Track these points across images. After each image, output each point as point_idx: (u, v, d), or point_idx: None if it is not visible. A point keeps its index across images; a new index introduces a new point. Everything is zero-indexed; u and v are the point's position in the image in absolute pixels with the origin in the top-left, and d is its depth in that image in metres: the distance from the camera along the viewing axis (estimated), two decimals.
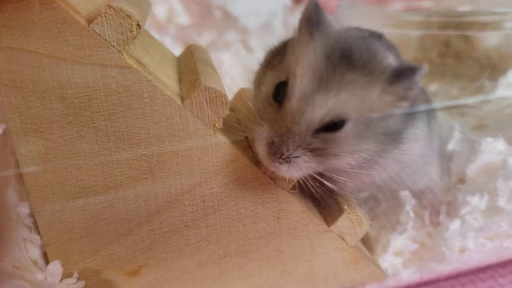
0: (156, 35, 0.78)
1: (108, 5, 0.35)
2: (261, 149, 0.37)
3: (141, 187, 0.39)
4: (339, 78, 0.37)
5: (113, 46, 0.36)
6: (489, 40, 0.76)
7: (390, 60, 0.39)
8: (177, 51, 0.75)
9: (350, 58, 0.38)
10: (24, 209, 0.39)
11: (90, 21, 0.36)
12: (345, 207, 0.42)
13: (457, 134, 0.53)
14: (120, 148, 0.38)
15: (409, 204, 0.48)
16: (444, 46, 0.79)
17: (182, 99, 0.38)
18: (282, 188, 0.41)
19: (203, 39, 0.76)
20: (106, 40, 0.36)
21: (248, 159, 0.40)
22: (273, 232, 0.42)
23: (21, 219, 0.39)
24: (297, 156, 0.37)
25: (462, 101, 0.65)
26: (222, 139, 0.39)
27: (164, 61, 0.45)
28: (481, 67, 0.77)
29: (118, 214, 0.40)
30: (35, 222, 0.39)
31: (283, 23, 0.85)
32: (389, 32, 0.72)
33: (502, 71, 0.70)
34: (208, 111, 0.38)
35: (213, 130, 0.39)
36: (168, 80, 0.40)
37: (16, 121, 0.37)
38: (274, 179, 0.40)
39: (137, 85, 0.37)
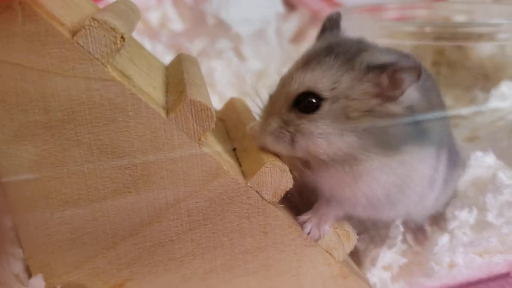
0: (148, 42, 0.78)
1: (92, 18, 0.35)
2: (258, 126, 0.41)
3: (125, 201, 0.39)
4: (316, 60, 0.40)
5: (97, 59, 0.35)
6: (483, 49, 0.76)
7: (375, 57, 0.39)
8: (169, 58, 0.74)
9: (333, 47, 0.40)
10: (6, 223, 0.39)
11: (74, 34, 0.35)
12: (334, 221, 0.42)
13: None
14: (104, 161, 0.38)
15: (400, 218, 0.47)
16: (438, 55, 0.79)
17: (167, 112, 0.38)
18: (269, 202, 0.40)
19: (195, 47, 0.76)
20: (90, 53, 0.35)
21: (234, 173, 0.39)
22: (259, 247, 0.41)
23: (4, 233, 0.38)
24: (279, 128, 0.39)
25: (455, 112, 0.64)
26: (207, 152, 0.39)
27: (151, 72, 0.45)
28: (475, 77, 0.77)
29: (102, 227, 0.39)
30: (17, 236, 0.39)
31: (276, 31, 0.85)
32: (383, 42, 0.72)
33: (496, 81, 0.70)
34: (193, 125, 0.38)
35: (198, 143, 0.38)
36: (153, 92, 0.40)
37: None
38: (260, 192, 0.40)
39: (121, 98, 0.36)
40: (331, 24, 0.45)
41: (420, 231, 0.49)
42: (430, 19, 0.81)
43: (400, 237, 0.46)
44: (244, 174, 0.40)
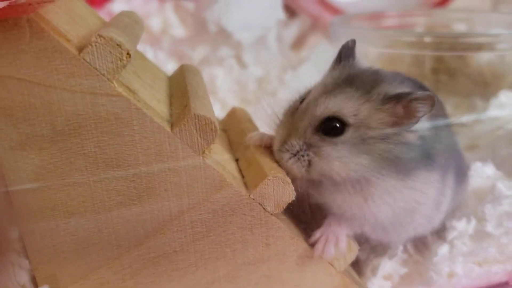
0: (150, 50, 0.79)
1: (98, 34, 0.35)
2: (274, 144, 0.43)
3: (130, 213, 0.39)
4: (339, 89, 0.42)
5: (103, 75, 0.36)
6: (483, 57, 0.77)
7: (391, 88, 0.42)
8: (170, 65, 0.75)
9: (352, 78, 0.43)
10: (13, 234, 0.39)
11: (80, 50, 0.36)
12: None
13: None
14: (109, 174, 0.38)
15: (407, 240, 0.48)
16: (438, 62, 0.79)
17: (172, 126, 0.38)
18: (271, 214, 0.41)
19: (196, 54, 0.77)
20: (96, 69, 0.36)
21: (237, 185, 0.40)
22: (261, 258, 0.42)
23: (10, 244, 0.39)
24: (300, 150, 0.41)
25: (454, 120, 0.65)
26: (211, 165, 0.39)
27: (155, 84, 0.45)
28: (475, 84, 0.77)
29: (107, 239, 0.40)
30: (24, 247, 0.40)
31: (277, 38, 0.85)
32: (382, 51, 0.73)
33: (495, 89, 0.71)
34: (197, 138, 0.38)
35: (202, 156, 0.39)
36: (158, 105, 0.40)
37: (6, 147, 0.37)
38: (262, 204, 0.40)
39: (126, 113, 0.37)
40: (347, 52, 0.47)
41: (421, 240, 0.50)
42: (430, 28, 0.82)
43: (401, 247, 0.47)
44: (246, 186, 0.41)
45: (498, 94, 0.64)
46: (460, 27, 0.83)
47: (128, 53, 0.36)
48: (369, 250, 0.49)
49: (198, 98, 0.42)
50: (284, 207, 0.41)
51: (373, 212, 0.41)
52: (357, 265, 0.48)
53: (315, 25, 0.93)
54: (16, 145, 0.37)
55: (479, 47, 0.61)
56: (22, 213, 0.39)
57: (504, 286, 0.49)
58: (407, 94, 0.40)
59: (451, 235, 0.47)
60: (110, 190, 0.39)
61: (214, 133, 0.38)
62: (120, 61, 0.36)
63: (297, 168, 0.41)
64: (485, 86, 0.76)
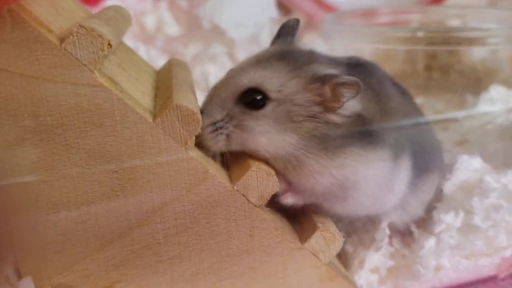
0: (143, 47, 0.79)
1: (79, 25, 0.35)
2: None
3: (113, 204, 0.39)
4: (268, 62, 0.42)
5: (85, 65, 0.36)
6: (475, 53, 0.77)
7: (323, 68, 0.41)
8: (163, 62, 0.75)
9: (286, 54, 0.43)
10: None
11: (62, 40, 0.36)
12: (319, 224, 0.42)
13: None
14: (92, 166, 0.38)
15: (385, 221, 0.48)
16: (431, 59, 0.79)
17: (154, 117, 0.38)
18: (255, 205, 0.41)
19: (189, 51, 0.77)
20: (77, 59, 0.36)
21: (221, 177, 0.40)
22: (246, 250, 0.42)
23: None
24: (221, 120, 0.40)
25: (444, 116, 0.65)
26: (194, 156, 0.39)
27: (140, 77, 0.45)
28: (467, 81, 0.77)
29: (91, 230, 0.40)
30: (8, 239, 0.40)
31: (270, 36, 0.85)
32: (375, 49, 0.73)
33: (488, 85, 0.70)
34: (179, 129, 0.38)
35: (185, 148, 0.39)
36: (141, 97, 0.40)
37: None
38: (246, 196, 0.40)
39: (108, 103, 0.37)
40: (287, 30, 0.47)
41: (407, 233, 0.49)
42: (423, 24, 0.82)
43: (386, 240, 0.47)
44: (230, 178, 0.41)
45: (489, 89, 0.64)
46: (454, 23, 0.83)
47: (109, 44, 0.36)
48: (357, 242, 0.49)
49: (182, 90, 0.42)
50: (268, 199, 0.41)
51: (309, 188, 0.41)
52: (344, 258, 0.48)
53: (309, 23, 0.93)
54: None
55: (471, 42, 0.61)
56: (5, 204, 0.39)
57: (493, 280, 0.49)
58: (333, 76, 0.40)
59: (438, 228, 0.47)
60: (93, 181, 0.39)
61: (196, 124, 0.38)
62: (101, 51, 0.36)
63: (214, 141, 0.40)
64: (478, 82, 0.76)
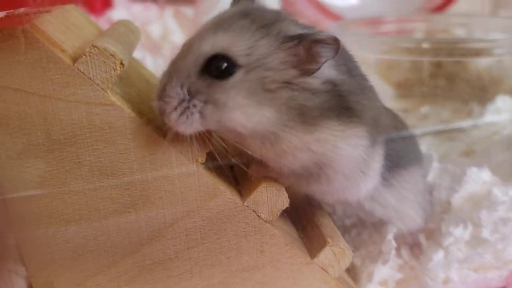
0: (149, 56, 0.79)
1: (92, 45, 0.36)
2: (154, 94, 0.37)
3: (125, 221, 0.40)
4: (231, 21, 0.37)
5: (97, 85, 0.36)
6: (481, 62, 0.77)
7: (291, 25, 0.37)
8: None
9: (248, 13, 0.38)
10: (9, 242, 0.40)
11: (75, 60, 0.36)
12: (328, 239, 0.42)
13: (436, 165, 0.53)
14: (104, 183, 0.39)
15: (391, 233, 0.48)
16: (436, 67, 0.79)
17: (165, 135, 0.39)
18: (265, 221, 0.41)
19: None
20: (90, 79, 0.36)
21: (231, 193, 0.40)
22: (256, 265, 0.42)
23: (7, 251, 0.39)
24: (184, 100, 0.35)
25: (450, 126, 0.65)
26: (205, 173, 0.39)
27: (150, 91, 0.46)
28: (473, 89, 0.78)
29: (103, 246, 0.40)
30: (20, 254, 0.40)
31: None
32: (381, 57, 0.73)
33: (493, 94, 0.71)
34: (191, 147, 0.39)
35: (196, 164, 0.39)
36: (151, 113, 0.41)
37: (2, 156, 0.37)
38: (256, 212, 0.41)
39: (120, 121, 0.37)
40: None
41: (416, 244, 0.50)
42: (429, 33, 0.82)
43: (393, 252, 0.47)
44: (241, 193, 0.41)
45: (495, 99, 0.64)
46: (459, 32, 0.83)
47: (121, 63, 0.36)
48: (364, 255, 0.50)
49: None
50: (278, 214, 0.41)
51: (287, 166, 0.38)
52: (352, 272, 0.48)
53: None
54: (12, 154, 0.37)
55: (477, 53, 0.61)
56: (19, 220, 0.39)
57: None
58: (310, 34, 0.36)
59: (446, 241, 0.47)
60: (105, 198, 0.39)
61: (207, 141, 0.39)
62: (114, 70, 0.36)
63: (185, 123, 0.35)
64: (483, 91, 0.76)
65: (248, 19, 0.37)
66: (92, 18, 0.90)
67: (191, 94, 0.36)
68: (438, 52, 0.62)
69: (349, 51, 0.43)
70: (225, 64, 0.35)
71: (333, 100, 0.38)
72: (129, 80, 0.42)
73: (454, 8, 0.98)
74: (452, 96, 0.77)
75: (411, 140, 0.52)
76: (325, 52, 0.35)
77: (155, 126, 0.38)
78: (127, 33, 0.44)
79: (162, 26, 0.94)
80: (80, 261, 0.40)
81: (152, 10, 0.95)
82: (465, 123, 0.65)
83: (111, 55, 0.36)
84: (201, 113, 0.36)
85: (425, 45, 0.63)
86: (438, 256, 0.46)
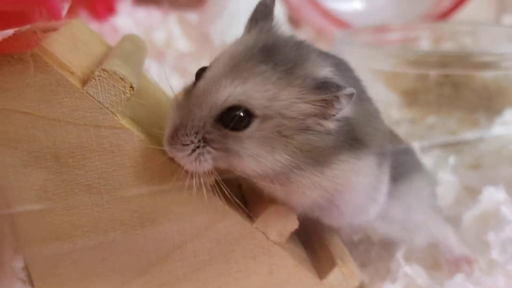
0: (154, 64, 0.79)
1: (101, 68, 0.35)
2: (166, 134, 0.36)
3: (133, 242, 0.40)
4: (251, 66, 0.35)
5: (107, 108, 0.36)
6: (488, 72, 0.76)
7: (317, 70, 0.36)
8: (174, 80, 0.75)
9: (270, 51, 0.36)
10: (18, 264, 0.40)
11: (84, 83, 0.36)
12: (338, 260, 0.42)
13: (448, 177, 0.53)
14: (113, 205, 0.39)
15: (400, 251, 0.48)
16: (442, 76, 0.79)
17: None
18: (274, 242, 0.41)
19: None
20: (99, 102, 0.36)
21: (240, 215, 0.40)
22: (264, 286, 0.42)
23: (16, 273, 0.39)
24: (197, 148, 0.35)
25: (457, 138, 0.65)
26: (214, 196, 0.39)
27: (159, 110, 0.45)
28: (479, 98, 0.77)
29: (111, 267, 0.40)
30: (29, 275, 0.40)
31: None
32: (386, 69, 0.72)
33: (499, 105, 0.70)
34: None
35: (205, 188, 0.39)
36: (160, 134, 0.40)
37: (11, 179, 0.37)
38: (265, 233, 0.41)
39: (130, 144, 0.37)
40: (264, 12, 0.39)
41: (462, 260, 0.48)
42: (435, 41, 0.82)
43: (401, 271, 0.47)
44: (249, 214, 0.41)
45: (503, 113, 0.64)
46: (465, 40, 0.83)
47: (131, 86, 0.36)
48: (373, 272, 0.49)
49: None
50: (287, 236, 0.41)
51: (297, 202, 0.39)
52: None
53: (319, 37, 0.93)
54: (20, 176, 0.37)
55: (484, 66, 0.61)
56: (27, 242, 0.39)
57: None
58: (335, 86, 0.34)
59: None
60: (114, 220, 0.39)
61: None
62: (124, 94, 0.36)
63: (196, 166, 0.35)
64: (489, 100, 0.76)
65: (269, 63, 0.35)
66: (96, 24, 0.90)
67: (206, 142, 0.35)
68: (445, 65, 0.62)
69: (357, 73, 0.42)
70: (242, 116, 0.34)
71: (345, 134, 0.37)
72: (137, 96, 0.42)
73: (460, 14, 0.98)
74: (458, 105, 0.77)
75: (408, 151, 0.52)
76: (345, 100, 0.35)
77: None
78: (135, 51, 0.44)
79: (165, 32, 0.93)
80: (88, 282, 0.40)
81: (156, 16, 0.95)
82: (472, 135, 0.64)
83: (121, 78, 0.36)
84: (213, 158, 0.35)
85: (432, 59, 0.62)
86: (458, 277, 0.46)
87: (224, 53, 0.37)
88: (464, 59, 0.61)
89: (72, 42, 0.41)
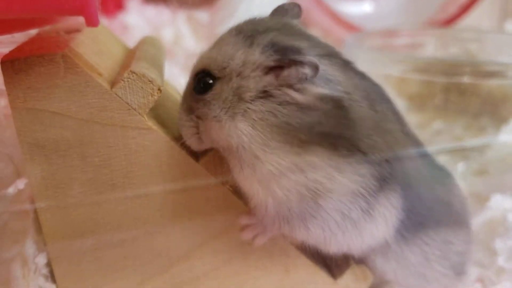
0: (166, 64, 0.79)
1: (131, 71, 0.36)
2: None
3: (155, 241, 0.41)
4: (225, 36, 0.37)
5: (134, 109, 0.37)
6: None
7: (278, 37, 0.34)
8: (183, 80, 0.76)
9: (243, 26, 0.36)
10: (41, 260, 0.40)
11: (112, 84, 0.37)
12: (351, 261, 0.43)
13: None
14: (137, 204, 0.39)
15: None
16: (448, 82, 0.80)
17: (198, 158, 0.39)
18: (291, 243, 0.42)
19: None
20: (128, 104, 0.37)
21: None
22: (281, 285, 0.43)
23: (39, 269, 0.40)
24: (188, 119, 0.36)
25: (464, 144, 0.66)
26: (235, 196, 0.40)
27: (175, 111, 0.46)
28: (484, 104, 0.79)
29: (132, 265, 0.41)
30: (51, 271, 0.41)
31: None
32: (393, 75, 0.73)
33: (504, 111, 0.72)
34: (222, 170, 0.39)
35: (227, 187, 0.40)
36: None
37: (38, 177, 0.38)
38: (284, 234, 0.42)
39: (155, 145, 0.38)
40: (289, 11, 0.39)
41: None
42: (441, 48, 0.83)
43: None
44: None
45: (509, 121, 0.65)
46: (470, 47, 0.84)
47: (159, 89, 0.37)
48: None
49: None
50: None
51: (276, 199, 0.34)
52: None
53: (327, 39, 0.93)
54: (47, 175, 0.38)
55: (491, 75, 0.62)
56: (52, 239, 0.40)
57: None
58: (297, 53, 0.32)
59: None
60: (137, 219, 0.40)
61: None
62: (151, 96, 0.37)
63: (194, 139, 0.37)
64: (494, 107, 0.77)
65: (240, 35, 0.35)
66: (105, 20, 0.90)
67: (189, 112, 0.37)
68: (452, 74, 0.63)
69: (376, 82, 0.39)
70: (205, 80, 0.35)
71: (331, 124, 0.34)
72: (161, 101, 0.43)
73: (464, 19, 0.99)
74: (463, 110, 0.78)
75: (446, 193, 0.43)
76: (308, 74, 0.32)
77: (189, 150, 0.39)
78: (157, 53, 0.45)
79: (174, 30, 0.94)
80: (108, 279, 0.41)
81: (165, 14, 0.95)
82: (479, 141, 0.66)
83: (149, 81, 0.36)
84: (196, 128, 0.36)
85: (439, 67, 0.63)
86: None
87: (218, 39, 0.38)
88: (471, 68, 0.62)
89: (95, 43, 0.42)
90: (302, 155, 0.33)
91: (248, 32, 0.35)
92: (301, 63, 0.32)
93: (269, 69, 0.34)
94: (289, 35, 0.35)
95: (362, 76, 0.38)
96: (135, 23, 0.91)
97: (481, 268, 0.48)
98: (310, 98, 0.33)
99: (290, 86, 0.33)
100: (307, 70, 0.32)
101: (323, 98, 0.34)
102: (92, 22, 0.29)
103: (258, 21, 0.37)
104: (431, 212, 0.40)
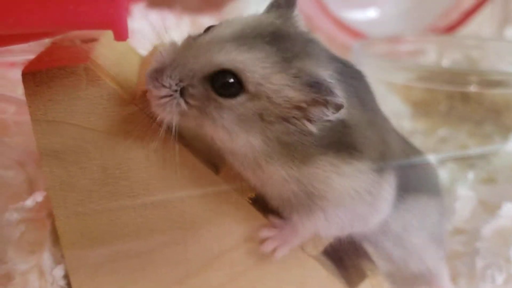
0: None
1: None
2: (150, 65, 0.35)
3: (173, 252, 0.41)
4: (256, 42, 0.34)
5: (155, 121, 0.37)
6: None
7: (316, 68, 0.35)
8: None
9: (279, 37, 0.35)
10: (59, 272, 0.40)
11: (132, 96, 0.37)
12: (368, 272, 0.44)
13: (465, 192, 0.55)
14: (155, 216, 0.39)
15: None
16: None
17: (217, 171, 0.39)
18: (309, 254, 0.42)
19: None
20: (148, 115, 0.37)
21: None
22: None
23: (56, 281, 0.40)
24: (173, 88, 0.33)
25: (471, 152, 0.67)
26: (253, 207, 0.40)
27: None
28: (487, 111, 0.79)
29: (149, 277, 0.41)
30: (69, 284, 0.41)
31: None
32: (396, 82, 0.74)
33: (507, 119, 0.72)
34: (241, 182, 0.39)
35: (246, 200, 0.40)
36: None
37: (57, 189, 0.38)
38: (302, 246, 0.42)
39: (176, 157, 0.38)
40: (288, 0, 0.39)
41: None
42: (444, 55, 0.84)
43: None
44: None
45: None
46: (472, 54, 0.85)
47: None
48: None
49: None
50: (322, 249, 0.42)
51: (275, 193, 0.37)
52: None
53: (331, 45, 0.94)
54: (66, 186, 0.38)
55: (495, 84, 0.63)
56: (69, 249, 0.39)
57: None
58: (329, 92, 0.33)
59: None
60: (156, 230, 0.40)
61: None
62: None
63: (164, 110, 0.34)
64: (497, 114, 0.78)
65: (273, 46, 0.34)
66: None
67: (183, 94, 0.34)
68: (456, 82, 0.64)
69: (367, 81, 0.40)
70: (232, 84, 0.33)
71: (333, 136, 0.36)
72: None
73: (465, 28, 1.00)
74: (466, 117, 0.79)
75: (425, 169, 0.49)
76: (330, 114, 0.34)
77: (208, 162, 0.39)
78: None
79: (180, 34, 0.93)
80: None
81: (169, 19, 0.95)
82: (487, 149, 0.66)
83: None
84: (181, 113, 0.34)
85: (444, 76, 0.64)
86: None
87: (237, 22, 0.36)
88: (475, 78, 0.63)
89: (114, 53, 0.42)
90: (302, 167, 0.36)
91: (284, 50, 0.34)
92: (330, 103, 0.34)
93: (300, 107, 0.34)
94: (316, 58, 0.35)
95: (354, 82, 0.38)
96: (140, 27, 0.90)
97: (494, 276, 0.48)
98: (320, 126, 0.35)
99: (309, 120, 0.35)
100: (332, 110, 0.34)
101: (326, 124, 0.35)
102: (121, 36, 0.29)
103: (292, 35, 0.36)
104: (412, 183, 0.44)
